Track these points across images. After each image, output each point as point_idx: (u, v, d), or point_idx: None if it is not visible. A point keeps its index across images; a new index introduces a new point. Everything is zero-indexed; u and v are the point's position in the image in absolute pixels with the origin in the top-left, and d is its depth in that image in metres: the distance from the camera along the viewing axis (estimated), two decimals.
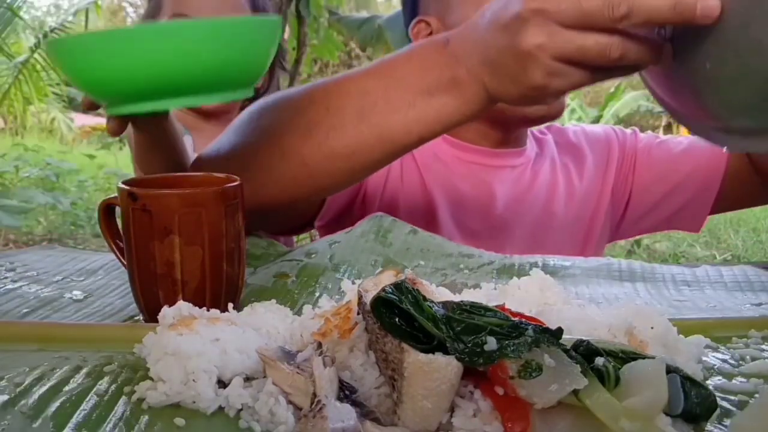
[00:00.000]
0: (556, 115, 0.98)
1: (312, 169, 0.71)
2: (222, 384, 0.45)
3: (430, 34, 1.03)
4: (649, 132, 1.15)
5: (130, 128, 0.76)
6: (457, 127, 0.68)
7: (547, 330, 0.39)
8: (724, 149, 0.68)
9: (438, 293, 0.52)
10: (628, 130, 1.14)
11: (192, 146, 1.36)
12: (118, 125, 0.69)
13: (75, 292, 0.69)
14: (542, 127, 1.16)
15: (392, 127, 0.67)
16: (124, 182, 0.60)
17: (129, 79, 0.59)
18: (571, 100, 12.65)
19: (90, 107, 0.69)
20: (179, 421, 0.42)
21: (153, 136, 0.79)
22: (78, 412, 0.43)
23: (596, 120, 11.62)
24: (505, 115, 0.98)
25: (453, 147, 1.07)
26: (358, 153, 0.69)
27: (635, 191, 1.09)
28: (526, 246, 1.00)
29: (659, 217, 1.09)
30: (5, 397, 0.44)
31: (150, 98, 0.60)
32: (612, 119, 11.32)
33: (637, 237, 4.39)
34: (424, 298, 0.42)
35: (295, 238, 1.42)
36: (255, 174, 0.71)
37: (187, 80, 0.59)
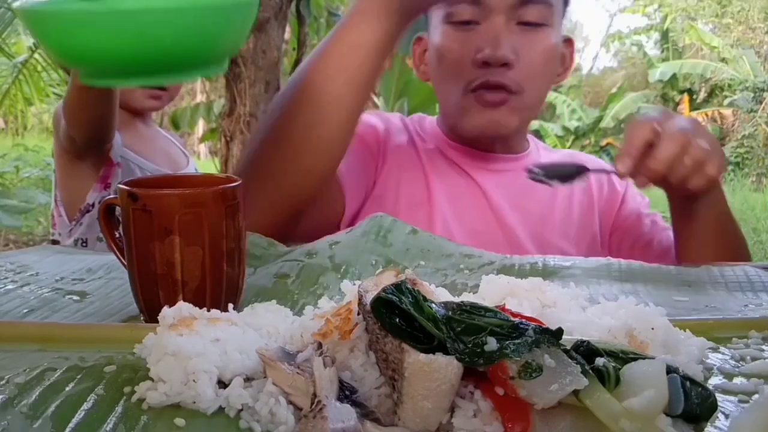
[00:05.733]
0: (487, 130, 1.02)
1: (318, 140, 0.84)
2: (222, 384, 0.45)
3: (424, 51, 1.10)
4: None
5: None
6: (383, 50, 0.83)
7: (547, 330, 0.39)
8: None
9: (438, 294, 0.52)
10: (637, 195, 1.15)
11: (120, 143, 1.36)
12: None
13: (75, 292, 0.69)
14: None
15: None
16: (124, 182, 0.60)
17: (103, 57, 0.59)
18: (571, 101, 12.67)
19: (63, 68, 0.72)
20: (179, 422, 0.42)
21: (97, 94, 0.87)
22: (78, 412, 0.43)
23: (597, 120, 11.64)
24: (460, 129, 1.06)
25: (451, 148, 1.10)
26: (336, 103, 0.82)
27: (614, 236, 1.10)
28: (526, 250, 1.01)
29: None
30: (5, 397, 0.44)
31: (125, 75, 0.61)
32: (612, 120, 11.34)
33: None
34: (424, 299, 0.42)
35: None
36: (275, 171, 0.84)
37: (164, 60, 0.59)
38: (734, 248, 0.92)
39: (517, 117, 1.02)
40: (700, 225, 0.89)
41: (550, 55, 1.03)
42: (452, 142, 1.11)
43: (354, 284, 0.54)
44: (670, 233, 0.98)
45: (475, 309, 0.42)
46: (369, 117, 1.11)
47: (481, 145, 1.09)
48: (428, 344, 0.40)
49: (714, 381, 0.49)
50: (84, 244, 1.25)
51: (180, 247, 0.58)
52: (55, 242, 1.29)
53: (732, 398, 0.47)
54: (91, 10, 0.57)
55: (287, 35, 3.08)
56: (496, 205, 1.06)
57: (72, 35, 0.58)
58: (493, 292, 0.59)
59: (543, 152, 1.17)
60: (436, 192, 1.05)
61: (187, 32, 0.59)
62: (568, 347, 0.40)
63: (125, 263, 0.62)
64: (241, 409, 0.44)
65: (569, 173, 0.87)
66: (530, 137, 1.19)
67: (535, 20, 0.99)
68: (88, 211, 1.22)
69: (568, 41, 1.10)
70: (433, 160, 1.09)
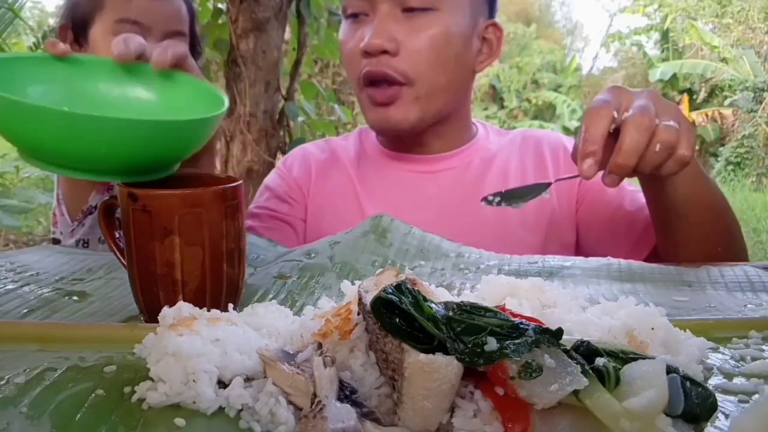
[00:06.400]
0: (383, 126, 1.02)
1: None
2: (222, 384, 0.45)
3: None
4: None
5: None
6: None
7: (547, 330, 0.39)
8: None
9: (438, 294, 0.52)
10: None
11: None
12: None
13: (75, 292, 0.69)
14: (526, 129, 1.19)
15: None
16: (124, 183, 0.60)
17: (64, 152, 0.58)
18: (571, 101, 12.68)
19: None
20: (179, 422, 0.42)
21: None
22: (78, 412, 0.43)
23: None
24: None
25: (386, 156, 1.11)
26: None
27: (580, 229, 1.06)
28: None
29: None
30: (5, 397, 0.44)
31: (75, 169, 0.61)
32: None
33: None
34: (424, 299, 0.42)
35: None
36: None
37: (119, 165, 0.60)
38: (719, 214, 0.86)
39: (416, 109, 1.00)
40: (678, 199, 0.82)
41: (442, 41, 0.98)
42: (385, 149, 1.11)
43: (354, 284, 0.54)
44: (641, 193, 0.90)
45: (475, 309, 0.42)
46: (285, 169, 1.15)
47: (414, 148, 1.08)
48: (428, 344, 0.40)
49: (714, 381, 0.49)
50: (85, 245, 1.25)
51: (180, 247, 0.58)
52: (55, 240, 1.28)
53: (732, 398, 0.47)
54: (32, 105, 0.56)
55: (287, 35, 3.08)
56: (437, 208, 1.04)
57: (47, 131, 0.57)
58: (493, 292, 0.59)
59: (493, 137, 1.14)
60: (369, 210, 1.05)
61: (157, 146, 0.59)
62: (568, 347, 0.40)
63: (125, 263, 0.62)
64: (241, 409, 0.44)
65: (530, 191, 0.80)
66: (479, 123, 1.16)
67: (419, 5, 0.97)
68: (90, 213, 1.22)
69: (494, 26, 1.06)
70: (365, 176, 1.10)
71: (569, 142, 1.12)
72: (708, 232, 0.85)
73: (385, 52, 0.96)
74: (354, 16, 1.01)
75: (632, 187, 0.96)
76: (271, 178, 1.16)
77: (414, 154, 1.09)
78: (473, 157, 1.09)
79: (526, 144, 1.12)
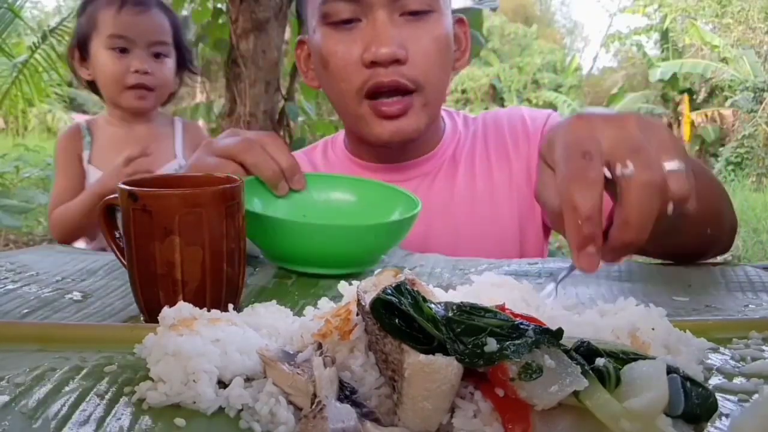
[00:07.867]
0: (394, 138, 0.96)
1: None
2: (222, 384, 0.45)
3: (309, 56, 1.05)
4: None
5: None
6: None
7: (547, 331, 0.39)
8: None
9: (437, 294, 0.52)
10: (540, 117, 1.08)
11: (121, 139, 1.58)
12: None
13: (75, 292, 0.69)
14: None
15: None
16: (124, 182, 0.60)
17: (292, 252, 0.75)
18: (572, 101, 12.69)
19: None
20: (179, 422, 0.42)
21: None
22: (78, 412, 0.43)
23: None
24: (364, 139, 1.00)
25: (356, 166, 1.07)
26: None
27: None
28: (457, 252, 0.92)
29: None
30: (5, 397, 0.44)
31: (298, 264, 0.76)
32: None
33: None
34: (424, 299, 0.42)
35: None
36: None
37: (335, 260, 0.75)
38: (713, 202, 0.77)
39: (424, 115, 0.95)
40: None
41: (444, 43, 0.95)
42: (356, 159, 1.07)
43: (351, 284, 0.54)
44: None
45: (474, 310, 0.42)
46: None
47: (387, 157, 1.03)
48: (428, 345, 0.40)
49: (714, 381, 0.49)
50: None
51: (180, 247, 0.58)
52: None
53: (732, 398, 0.47)
54: (291, 221, 0.75)
55: (287, 35, 3.08)
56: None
57: (280, 237, 0.74)
58: (487, 286, 0.58)
59: (461, 127, 1.10)
60: None
61: (358, 243, 0.75)
62: (568, 347, 0.40)
63: (125, 263, 0.62)
64: (241, 409, 0.43)
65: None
66: (446, 114, 1.12)
67: (419, 8, 0.92)
68: None
69: (460, 21, 1.03)
70: None
71: (529, 112, 1.11)
72: (704, 221, 0.75)
73: (396, 60, 0.91)
74: (343, 23, 0.94)
75: None
76: None
77: (385, 164, 1.05)
78: (444, 158, 1.06)
79: (486, 127, 1.10)
